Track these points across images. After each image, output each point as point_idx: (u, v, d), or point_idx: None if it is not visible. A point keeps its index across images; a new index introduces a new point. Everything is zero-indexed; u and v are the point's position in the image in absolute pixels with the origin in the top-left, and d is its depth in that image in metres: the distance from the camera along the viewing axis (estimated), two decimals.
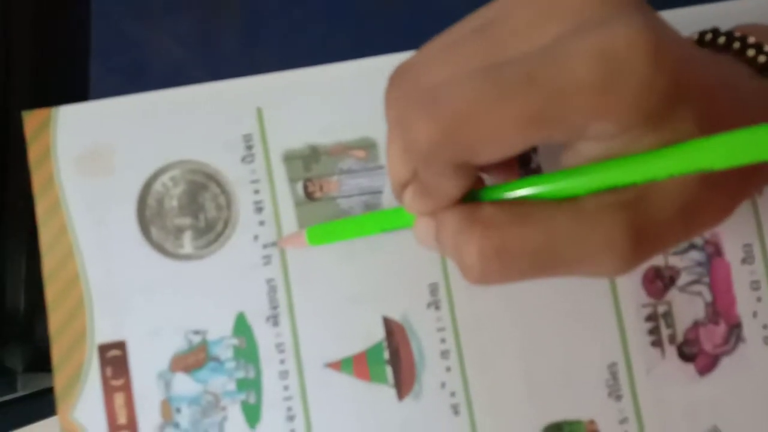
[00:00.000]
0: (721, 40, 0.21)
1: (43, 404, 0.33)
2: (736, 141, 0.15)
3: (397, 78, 0.18)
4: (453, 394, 0.25)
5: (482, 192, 0.19)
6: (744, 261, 0.26)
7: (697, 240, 0.26)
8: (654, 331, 0.26)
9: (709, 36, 0.21)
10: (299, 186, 0.26)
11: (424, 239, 0.20)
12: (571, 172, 0.17)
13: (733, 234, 0.26)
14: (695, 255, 0.26)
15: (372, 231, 0.23)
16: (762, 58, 0.20)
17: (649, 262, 0.26)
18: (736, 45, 0.21)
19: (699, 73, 0.17)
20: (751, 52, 0.20)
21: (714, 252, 0.26)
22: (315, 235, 0.25)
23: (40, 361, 0.32)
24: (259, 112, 0.26)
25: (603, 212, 0.17)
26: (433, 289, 0.26)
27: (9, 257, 0.31)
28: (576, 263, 0.17)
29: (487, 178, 0.21)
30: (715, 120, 0.16)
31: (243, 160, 0.26)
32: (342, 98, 0.26)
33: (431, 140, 0.16)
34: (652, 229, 0.17)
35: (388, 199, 0.26)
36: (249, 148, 0.26)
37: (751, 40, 0.20)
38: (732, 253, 0.26)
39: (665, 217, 0.17)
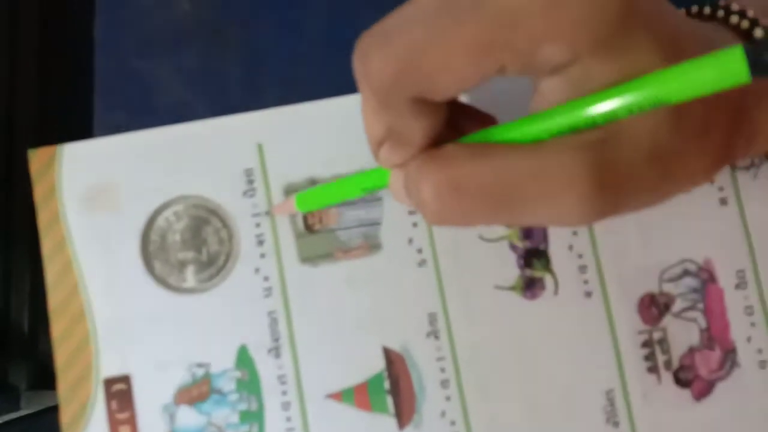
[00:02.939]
0: (707, 11, 0.21)
1: (47, 423, 0.33)
2: (690, 71, 0.15)
3: (363, 36, 0.18)
4: (453, 423, 0.26)
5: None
6: (737, 287, 0.26)
7: (692, 266, 0.26)
8: (650, 358, 0.26)
9: (695, 9, 0.22)
10: (299, 218, 0.27)
11: (396, 192, 0.20)
12: (532, 118, 0.17)
13: (726, 260, 0.26)
14: (689, 281, 0.26)
15: (355, 193, 0.23)
16: (745, 24, 0.20)
17: (643, 288, 0.26)
18: (721, 13, 0.21)
19: (662, 11, 0.17)
20: (734, 19, 0.20)
21: (708, 278, 0.26)
22: (304, 202, 0.25)
23: (44, 379, 0.32)
24: (260, 147, 0.27)
25: (564, 151, 0.16)
26: (432, 318, 0.26)
27: (13, 274, 0.31)
28: (537, 203, 0.17)
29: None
30: (682, 57, 0.16)
31: (244, 194, 0.27)
32: (341, 131, 0.27)
33: (386, 74, 0.16)
34: (618, 172, 0.16)
35: (386, 230, 0.26)
36: (250, 182, 0.27)
37: (735, 7, 0.21)
38: (725, 279, 0.26)
39: (633, 161, 0.17)
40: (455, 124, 0.20)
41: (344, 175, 0.27)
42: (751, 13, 0.20)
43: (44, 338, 0.32)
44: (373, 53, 0.17)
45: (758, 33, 0.20)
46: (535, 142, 0.17)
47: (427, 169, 0.17)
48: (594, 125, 0.16)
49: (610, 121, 0.16)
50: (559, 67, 0.16)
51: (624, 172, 0.17)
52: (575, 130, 0.17)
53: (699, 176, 0.18)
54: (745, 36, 0.20)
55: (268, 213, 0.26)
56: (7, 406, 0.31)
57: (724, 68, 0.14)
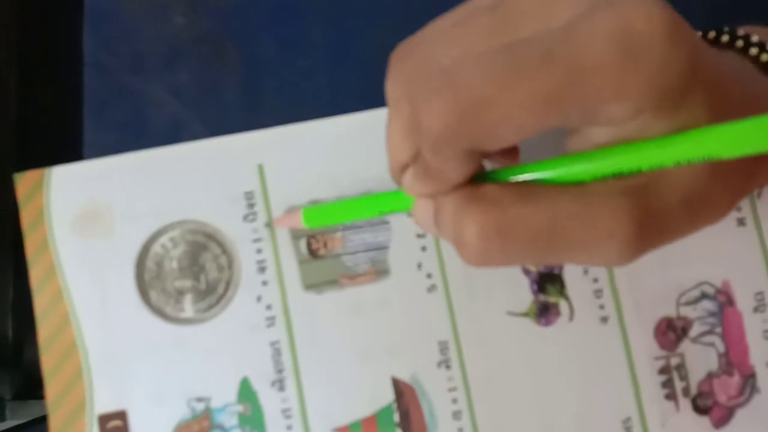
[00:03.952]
0: (725, 38, 0.21)
1: None
2: (744, 130, 0.15)
3: (404, 53, 0.17)
4: None
5: (484, 176, 0.18)
6: (756, 309, 0.26)
7: (709, 289, 0.26)
8: (667, 384, 0.25)
9: (712, 34, 0.22)
10: (303, 243, 0.25)
11: (423, 221, 0.19)
12: (577, 157, 0.17)
13: (744, 282, 0.26)
14: (707, 305, 0.26)
15: (370, 214, 0.23)
16: (765, 57, 0.20)
17: (660, 312, 0.25)
18: (740, 43, 0.21)
19: (712, 61, 0.17)
20: (754, 51, 0.20)
21: (726, 301, 0.26)
22: (312, 217, 0.24)
23: (30, 388, 0.32)
24: (261, 169, 0.25)
25: (609, 197, 0.16)
26: (443, 347, 0.25)
27: None
28: (578, 248, 0.17)
29: (487, 165, 0.20)
30: (726, 111, 0.16)
31: (245, 218, 0.25)
32: (344, 152, 0.26)
33: (447, 124, 0.16)
34: (657, 218, 0.17)
35: (394, 255, 0.25)
36: (251, 206, 0.25)
37: (755, 38, 0.20)
38: (744, 301, 0.26)
39: (671, 206, 0.17)
40: None
41: (349, 198, 0.25)
42: None
43: (29, 348, 0.32)
44: (432, 95, 0.16)
45: None
46: (579, 186, 0.17)
47: (472, 211, 0.17)
48: (638, 171, 0.16)
49: (654, 169, 0.16)
50: (619, 121, 0.16)
51: (663, 216, 0.17)
52: (618, 175, 0.17)
53: (722, 213, 0.19)
54: (764, 68, 0.20)
55: (268, 225, 0.25)
56: None
57: None
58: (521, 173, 0.18)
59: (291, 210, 0.25)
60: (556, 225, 0.17)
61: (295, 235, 0.25)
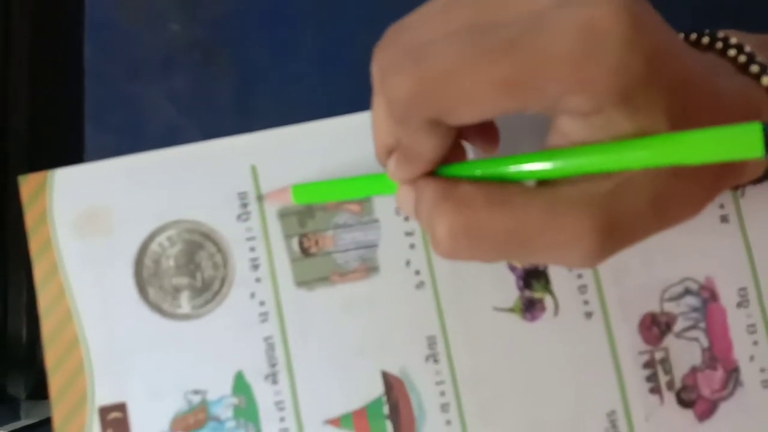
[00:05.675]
0: (705, 40, 0.22)
1: None
2: (713, 138, 0.16)
3: (387, 37, 0.18)
4: None
5: (460, 166, 0.19)
6: (739, 305, 0.26)
7: (693, 285, 0.26)
8: (652, 378, 0.26)
9: (693, 36, 0.22)
10: (295, 242, 0.26)
11: (405, 209, 0.20)
12: (547, 153, 0.18)
13: (728, 278, 0.26)
14: (691, 300, 0.26)
15: (357, 195, 0.24)
16: (742, 58, 0.21)
17: (644, 308, 0.26)
18: (719, 45, 0.21)
19: (678, 62, 0.17)
20: (732, 52, 0.21)
21: (709, 297, 0.26)
22: (300, 194, 0.25)
23: (43, 389, 0.32)
24: (254, 170, 0.26)
25: (575, 205, 0.17)
26: (431, 341, 0.26)
27: (10, 285, 0.31)
28: (544, 251, 0.18)
29: (469, 149, 0.21)
30: (691, 111, 0.17)
31: (238, 218, 0.26)
32: (336, 153, 0.26)
33: (408, 94, 0.16)
34: (623, 223, 0.17)
35: (383, 252, 0.26)
36: (244, 206, 0.26)
37: (733, 40, 0.21)
38: (727, 297, 0.26)
39: (637, 210, 0.17)
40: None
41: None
42: (748, 48, 0.20)
43: (42, 349, 0.32)
44: (399, 69, 0.17)
45: (754, 69, 0.20)
46: (548, 192, 0.17)
47: (443, 208, 0.18)
48: (603, 171, 0.17)
49: (622, 170, 0.17)
50: (582, 114, 0.17)
51: (628, 221, 0.17)
52: (587, 173, 0.17)
53: (692, 212, 0.19)
54: (741, 69, 0.20)
55: (259, 198, 0.26)
56: (7, 417, 0.31)
57: (744, 142, 0.15)
58: (494, 166, 0.18)
59: (282, 220, 0.26)
60: (522, 230, 0.17)
61: (288, 233, 0.26)
